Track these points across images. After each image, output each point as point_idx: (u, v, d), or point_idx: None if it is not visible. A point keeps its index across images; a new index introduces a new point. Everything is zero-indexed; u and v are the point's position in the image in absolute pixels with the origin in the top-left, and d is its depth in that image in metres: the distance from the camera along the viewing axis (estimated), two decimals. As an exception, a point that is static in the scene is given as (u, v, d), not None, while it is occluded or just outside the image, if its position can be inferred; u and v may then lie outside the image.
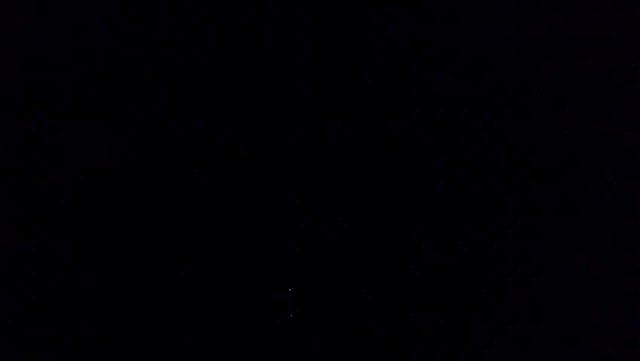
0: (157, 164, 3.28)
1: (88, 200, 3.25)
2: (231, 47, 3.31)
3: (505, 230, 3.26)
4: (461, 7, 3.31)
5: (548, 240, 3.25)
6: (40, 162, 3.25)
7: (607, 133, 3.27)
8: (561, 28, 3.30)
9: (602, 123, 3.27)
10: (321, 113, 3.31)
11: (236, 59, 3.31)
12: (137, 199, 3.26)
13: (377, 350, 3.23)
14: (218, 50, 3.31)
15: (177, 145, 3.28)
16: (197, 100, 3.30)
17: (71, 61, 3.28)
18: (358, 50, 3.32)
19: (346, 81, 3.31)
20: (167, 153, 3.28)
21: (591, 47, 3.28)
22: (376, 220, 3.28)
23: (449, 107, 3.31)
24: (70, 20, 3.29)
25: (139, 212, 3.25)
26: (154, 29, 3.30)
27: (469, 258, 3.26)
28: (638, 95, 3.27)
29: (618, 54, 3.28)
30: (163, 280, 3.22)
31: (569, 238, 3.24)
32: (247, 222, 3.27)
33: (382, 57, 3.32)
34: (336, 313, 3.25)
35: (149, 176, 3.27)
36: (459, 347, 3.22)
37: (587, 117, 3.28)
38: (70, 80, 3.28)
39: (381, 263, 3.27)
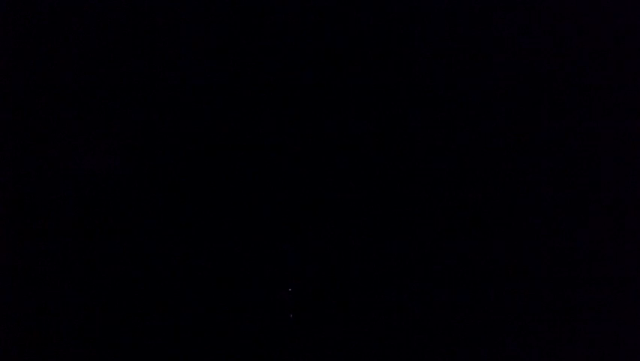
0: (157, 164, 3.28)
1: (87, 200, 3.25)
2: (232, 46, 3.31)
3: (504, 230, 3.26)
4: (461, 6, 3.31)
5: (548, 240, 3.26)
6: (40, 162, 3.25)
7: (607, 133, 3.27)
8: (561, 28, 3.30)
9: (603, 123, 3.28)
10: (321, 113, 3.31)
11: (237, 58, 3.31)
12: (137, 199, 3.26)
13: (377, 350, 3.23)
14: (218, 49, 3.31)
15: (177, 145, 3.28)
16: (198, 100, 3.30)
17: (70, 60, 3.28)
18: (358, 50, 3.32)
19: (346, 82, 3.31)
20: (167, 153, 3.28)
21: (591, 47, 3.29)
22: (376, 220, 3.28)
23: (449, 107, 3.31)
24: (70, 20, 3.29)
25: (139, 212, 3.25)
26: (154, 29, 3.30)
27: (468, 258, 3.26)
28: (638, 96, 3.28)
29: (618, 54, 3.29)
30: (163, 281, 3.22)
31: (569, 238, 3.25)
32: (247, 223, 3.27)
33: (382, 57, 3.32)
34: (335, 314, 3.25)
35: (148, 176, 3.27)
36: (459, 347, 3.23)
37: (587, 118, 3.29)
38: (69, 80, 3.28)
39: (381, 263, 3.27)
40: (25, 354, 3.18)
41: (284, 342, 3.23)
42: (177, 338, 3.20)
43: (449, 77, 3.31)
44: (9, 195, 3.22)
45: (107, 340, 3.20)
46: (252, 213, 3.27)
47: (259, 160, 3.29)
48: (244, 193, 3.28)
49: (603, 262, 3.23)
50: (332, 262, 3.27)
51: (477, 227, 3.27)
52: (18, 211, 3.22)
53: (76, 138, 3.27)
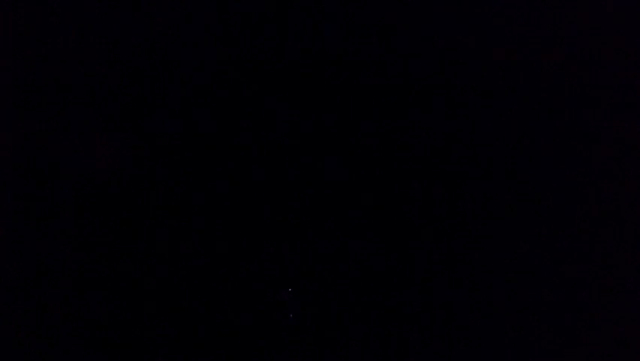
0: (158, 164, 3.28)
1: (88, 200, 3.25)
2: (233, 47, 3.32)
3: (504, 231, 3.27)
4: (462, 7, 3.32)
5: (548, 240, 3.26)
6: (41, 162, 3.25)
7: (607, 133, 3.28)
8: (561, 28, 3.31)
9: (603, 124, 3.28)
10: (321, 114, 3.31)
11: (238, 59, 3.32)
12: (137, 199, 3.26)
13: (376, 350, 3.23)
14: (219, 50, 3.32)
15: (178, 145, 3.28)
16: (199, 101, 3.30)
17: (71, 60, 3.29)
18: (358, 51, 3.32)
19: (345, 82, 3.32)
20: (168, 153, 3.28)
21: (591, 47, 3.29)
22: (376, 221, 3.28)
23: (449, 108, 3.31)
24: (71, 20, 3.29)
25: (139, 212, 3.25)
26: (154, 29, 3.30)
27: (469, 259, 3.26)
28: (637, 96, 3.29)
29: (619, 55, 3.29)
30: (163, 281, 3.22)
31: (569, 238, 3.25)
32: (248, 223, 3.27)
33: (382, 58, 3.32)
34: (335, 314, 3.25)
35: (149, 176, 3.27)
36: (459, 347, 3.22)
37: (586, 118, 3.29)
38: (69, 80, 3.28)
39: (381, 263, 3.27)
40: (25, 354, 3.18)
41: (284, 342, 3.22)
42: (178, 337, 3.20)
43: (449, 77, 3.32)
44: (11, 194, 3.23)
45: (108, 340, 3.20)
46: (253, 214, 3.28)
47: (260, 160, 3.30)
48: (245, 193, 3.28)
49: (603, 263, 3.23)
50: (332, 262, 3.27)
51: (477, 228, 3.27)
52: (19, 211, 3.22)
53: (78, 137, 3.28)
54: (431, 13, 3.32)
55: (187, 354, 3.19)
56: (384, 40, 3.32)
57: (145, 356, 3.19)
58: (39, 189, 3.24)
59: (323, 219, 3.28)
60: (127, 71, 3.29)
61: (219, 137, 3.30)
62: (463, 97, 3.31)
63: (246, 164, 3.29)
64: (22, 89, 3.26)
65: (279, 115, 3.31)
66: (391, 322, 3.24)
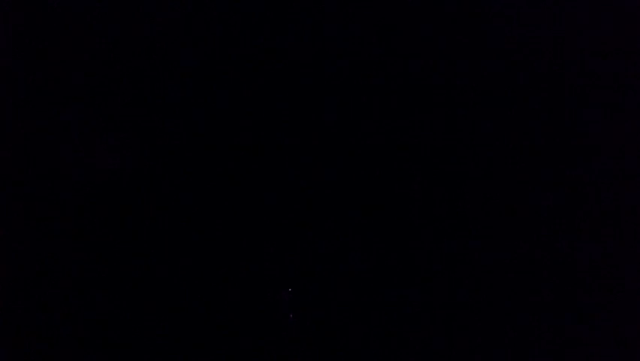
0: (158, 164, 3.28)
1: (88, 200, 3.25)
2: (232, 47, 3.32)
3: (504, 231, 3.27)
4: (462, 7, 3.32)
5: (549, 241, 3.26)
6: (41, 162, 3.25)
7: (607, 133, 3.28)
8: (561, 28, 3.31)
9: (603, 124, 3.28)
10: (320, 114, 3.31)
11: (237, 59, 3.32)
12: (137, 199, 3.26)
13: (376, 350, 3.23)
14: (219, 50, 3.31)
15: (178, 144, 3.28)
16: (200, 100, 3.30)
17: (71, 60, 3.29)
18: (358, 51, 3.32)
19: (346, 82, 3.32)
20: (167, 153, 3.28)
21: (591, 47, 3.29)
22: (376, 221, 3.28)
23: (449, 108, 3.31)
24: (71, 20, 3.29)
25: (139, 212, 3.25)
26: (154, 29, 3.30)
27: (469, 259, 3.26)
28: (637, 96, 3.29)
29: (620, 55, 3.29)
30: (163, 281, 3.22)
31: (570, 238, 3.25)
32: (247, 223, 3.27)
33: (382, 58, 3.32)
34: (335, 314, 3.25)
35: (149, 176, 3.27)
36: (458, 348, 3.22)
37: (587, 119, 3.29)
38: (70, 80, 3.28)
39: (381, 263, 3.27)
40: (25, 354, 3.18)
41: (284, 342, 3.22)
42: (178, 337, 3.20)
43: (449, 77, 3.32)
44: (11, 194, 3.23)
45: (108, 340, 3.20)
46: (253, 214, 3.28)
47: (260, 161, 3.29)
48: (245, 193, 3.28)
49: (603, 263, 3.23)
50: (332, 262, 3.27)
51: (477, 228, 3.27)
52: (19, 211, 3.22)
53: (78, 137, 3.28)
54: (431, 13, 3.32)
55: (187, 354, 3.19)
56: (384, 40, 3.32)
57: (145, 356, 3.19)
58: (39, 189, 3.24)
59: (323, 220, 3.28)
60: (127, 71, 3.29)
61: (219, 136, 3.30)
62: (463, 97, 3.31)
63: (246, 164, 3.29)
64: (22, 89, 3.27)
65: (279, 115, 3.31)
66: (391, 322, 3.24)
